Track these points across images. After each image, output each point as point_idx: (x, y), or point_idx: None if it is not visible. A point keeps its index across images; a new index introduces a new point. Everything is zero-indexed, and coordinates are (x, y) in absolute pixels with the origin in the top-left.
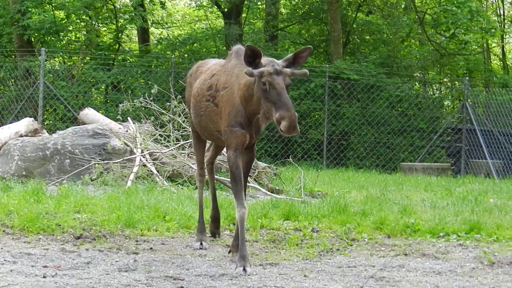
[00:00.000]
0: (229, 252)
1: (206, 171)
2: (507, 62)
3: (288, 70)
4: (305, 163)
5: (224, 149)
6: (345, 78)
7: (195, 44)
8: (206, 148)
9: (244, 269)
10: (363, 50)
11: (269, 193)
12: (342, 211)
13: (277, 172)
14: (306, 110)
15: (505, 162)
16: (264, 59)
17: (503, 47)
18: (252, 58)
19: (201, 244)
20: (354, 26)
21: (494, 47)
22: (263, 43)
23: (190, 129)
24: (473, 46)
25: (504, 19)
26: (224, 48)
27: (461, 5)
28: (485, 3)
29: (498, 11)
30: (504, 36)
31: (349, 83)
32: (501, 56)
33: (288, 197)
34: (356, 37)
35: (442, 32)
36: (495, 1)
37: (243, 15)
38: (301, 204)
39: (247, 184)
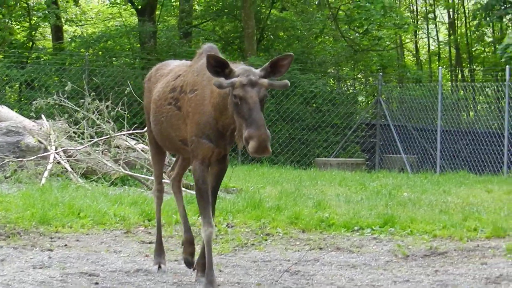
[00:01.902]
0: (194, 269)
1: (172, 188)
2: (420, 57)
3: (265, 81)
4: None
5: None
6: None
7: (109, 42)
8: (172, 165)
9: None
10: (277, 47)
11: (184, 189)
12: (257, 206)
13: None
14: None
15: (418, 156)
16: (239, 68)
17: (416, 42)
18: (219, 68)
19: (159, 267)
20: (268, 22)
21: (407, 43)
22: (177, 40)
23: (148, 140)
24: (387, 42)
25: (417, 15)
26: (139, 45)
27: (374, 1)
28: None
29: (411, 7)
30: (417, 32)
31: None
32: (414, 52)
33: None
34: (270, 33)
35: (355, 28)
36: None
37: (157, 12)
38: (216, 200)
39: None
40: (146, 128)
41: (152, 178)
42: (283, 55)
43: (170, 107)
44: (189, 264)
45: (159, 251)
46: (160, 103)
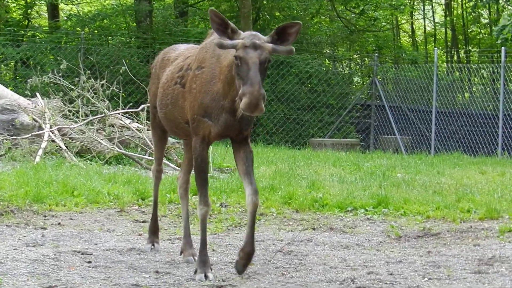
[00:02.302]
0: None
1: (179, 191)
2: (416, 38)
3: (268, 45)
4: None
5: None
6: None
7: (105, 21)
8: (181, 168)
9: (206, 276)
10: (273, 27)
11: (178, 168)
12: None
13: None
14: None
15: (413, 137)
16: (245, 33)
17: (412, 23)
18: (222, 26)
19: (153, 245)
20: (264, 2)
21: (403, 23)
22: (173, 19)
23: (151, 125)
24: (383, 23)
25: None
26: (134, 24)
27: None
28: None
29: None
30: (413, 13)
31: None
32: (410, 33)
33: None
34: (266, 13)
35: (351, 8)
36: None
37: None
38: (210, 179)
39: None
40: (140, 108)
41: (146, 157)
42: (291, 22)
43: (175, 86)
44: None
45: (154, 229)
46: (167, 85)
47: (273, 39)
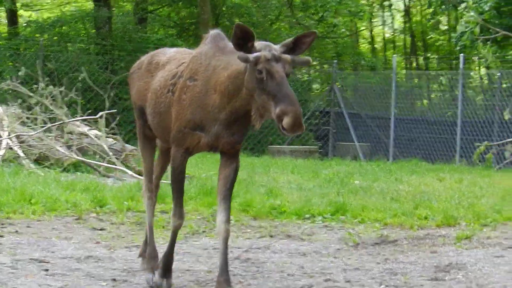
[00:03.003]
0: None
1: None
2: (375, 45)
3: (288, 56)
4: None
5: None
6: None
7: (64, 27)
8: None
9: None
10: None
11: (136, 175)
12: (209, 193)
13: None
14: None
15: (372, 144)
16: (258, 43)
17: (371, 30)
18: (243, 40)
19: (154, 273)
20: (224, 8)
21: (362, 30)
22: (133, 26)
23: (137, 133)
24: (342, 30)
25: (372, 3)
26: (94, 31)
27: None
28: None
29: None
30: (372, 20)
31: None
32: (369, 40)
33: None
34: (226, 20)
35: (311, 15)
36: None
37: None
38: (168, 187)
39: (117, 167)
40: (99, 115)
41: (105, 164)
42: (306, 32)
43: (168, 94)
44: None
45: (153, 255)
46: (160, 92)
47: (288, 48)
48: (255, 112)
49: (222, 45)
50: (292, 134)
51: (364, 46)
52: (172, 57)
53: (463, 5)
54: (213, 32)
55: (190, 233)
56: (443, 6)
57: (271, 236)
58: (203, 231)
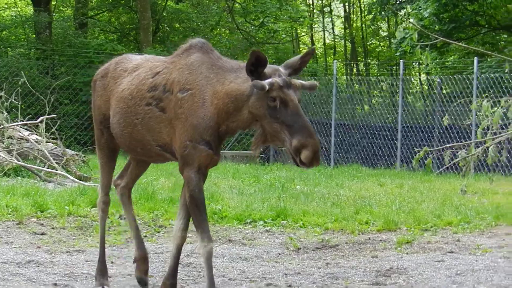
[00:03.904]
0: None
1: (121, 198)
2: (315, 51)
3: (298, 82)
4: None
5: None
6: None
7: (4, 32)
8: (120, 173)
9: None
10: (173, 39)
11: (77, 180)
12: (150, 198)
13: (85, 160)
14: None
15: None
16: (267, 68)
17: (311, 36)
18: (255, 67)
19: None
20: (164, 14)
21: (303, 36)
22: (73, 31)
23: (97, 144)
24: (282, 35)
25: (313, 8)
26: (34, 35)
27: None
28: None
29: (307, 1)
30: (312, 25)
31: None
32: (310, 45)
33: (96, 184)
34: (166, 25)
35: (251, 21)
36: None
37: (52, 3)
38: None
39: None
40: (39, 120)
41: (45, 169)
42: (308, 51)
43: (149, 108)
44: (144, 284)
45: (103, 271)
46: (133, 102)
47: (293, 69)
48: (258, 138)
49: (214, 56)
50: (309, 167)
51: (304, 52)
52: (140, 64)
53: (403, 11)
54: (195, 41)
55: (131, 238)
56: (383, 12)
57: (213, 241)
58: (145, 236)
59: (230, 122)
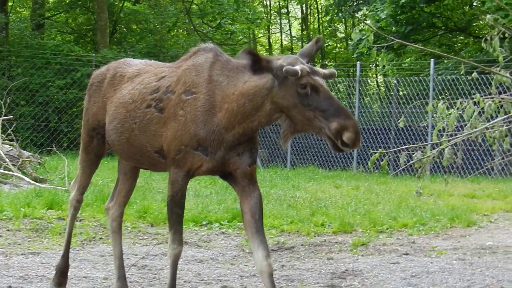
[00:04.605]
0: None
1: (111, 224)
2: (273, 52)
3: (321, 70)
4: (71, 153)
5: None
6: None
7: None
8: (111, 196)
9: None
10: (130, 40)
11: (32, 182)
12: (106, 200)
13: (42, 162)
14: (72, 99)
15: (269, 151)
16: (284, 57)
17: (269, 37)
18: (255, 64)
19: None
20: (121, 15)
21: (260, 37)
22: (30, 32)
23: (82, 148)
24: (240, 37)
25: (270, 10)
26: None
27: None
28: None
29: (265, 2)
30: (270, 27)
31: None
32: (267, 47)
33: (52, 186)
34: (123, 26)
35: (208, 22)
36: None
37: (9, 3)
38: (65, 193)
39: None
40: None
41: (2, 170)
42: (318, 38)
43: (148, 110)
44: None
45: (63, 270)
46: (133, 106)
47: (310, 58)
48: (286, 130)
49: (223, 59)
50: (352, 149)
51: (262, 53)
52: (143, 70)
53: (360, 13)
54: (204, 45)
55: (87, 239)
56: (340, 14)
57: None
58: (100, 238)
59: (249, 122)
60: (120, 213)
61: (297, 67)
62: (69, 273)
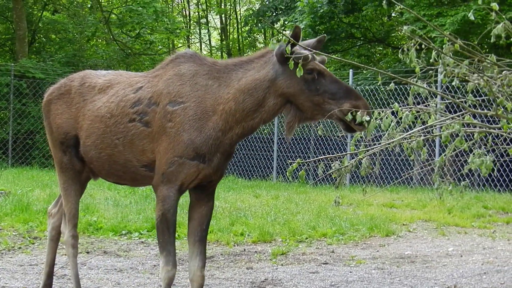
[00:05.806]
0: None
1: (50, 232)
2: None
3: (323, 56)
4: None
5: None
6: (31, 77)
7: None
8: (57, 198)
9: None
10: (49, 49)
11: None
12: (25, 209)
13: None
14: None
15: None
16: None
17: (188, 47)
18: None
19: None
20: (40, 25)
21: (180, 47)
22: None
23: (59, 169)
24: (159, 46)
25: (190, 20)
26: None
27: (146, 6)
28: (171, 4)
29: (184, 12)
30: (189, 37)
31: (35, 82)
32: None
33: None
34: (42, 35)
35: (127, 32)
36: (181, 2)
37: None
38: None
39: None
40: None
41: None
42: (321, 37)
43: (132, 124)
44: None
45: None
46: (113, 121)
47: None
48: (292, 119)
49: (208, 62)
50: (365, 129)
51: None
52: (114, 80)
53: (278, 24)
54: (183, 52)
55: (5, 249)
56: (259, 24)
57: (88, 252)
58: (19, 247)
59: (250, 120)
60: (76, 236)
61: (306, 52)
62: None
